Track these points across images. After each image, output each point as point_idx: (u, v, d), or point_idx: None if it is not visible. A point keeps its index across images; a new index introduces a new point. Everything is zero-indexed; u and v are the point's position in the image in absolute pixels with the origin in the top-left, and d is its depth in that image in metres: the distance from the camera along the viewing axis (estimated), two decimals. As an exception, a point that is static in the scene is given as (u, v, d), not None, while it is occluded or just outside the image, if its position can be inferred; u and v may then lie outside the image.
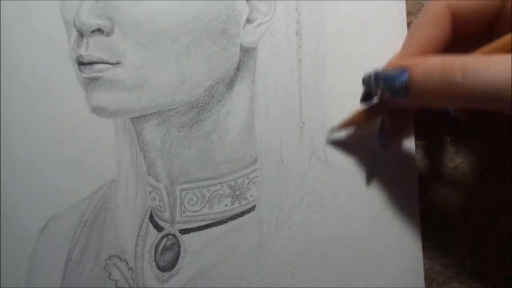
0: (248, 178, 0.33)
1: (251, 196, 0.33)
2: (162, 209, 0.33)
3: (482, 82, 0.22)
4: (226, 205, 0.33)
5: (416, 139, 0.32)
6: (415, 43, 0.28)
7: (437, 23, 0.27)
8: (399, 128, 0.30)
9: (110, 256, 0.33)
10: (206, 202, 0.33)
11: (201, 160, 0.33)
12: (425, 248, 0.31)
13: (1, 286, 0.34)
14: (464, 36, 0.28)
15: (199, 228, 0.33)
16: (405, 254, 0.31)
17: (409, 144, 0.32)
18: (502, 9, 0.26)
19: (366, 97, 0.30)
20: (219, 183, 0.33)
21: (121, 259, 0.33)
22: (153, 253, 0.33)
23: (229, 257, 0.32)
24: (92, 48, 0.30)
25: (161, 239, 0.33)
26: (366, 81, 0.29)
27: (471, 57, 0.23)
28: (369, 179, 0.32)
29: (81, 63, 0.31)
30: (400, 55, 0.28)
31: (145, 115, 0.32)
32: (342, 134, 0.32)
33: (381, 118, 0.31)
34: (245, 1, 0.32)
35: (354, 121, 0.31)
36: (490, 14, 0.27)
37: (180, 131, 0.33)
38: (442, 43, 0.27)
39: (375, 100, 0.30)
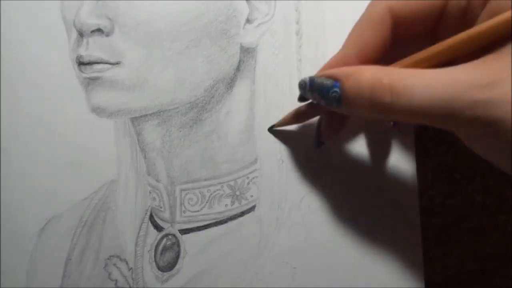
0: (248, 178, 0.33)
1: (251, 196, 0.33)
2: (162, 209, 0.34)
3: (408, 102, 0.22)
4: (226, 205, 0.33)
5: (416, 139, 0.32)
6: (354, 45, 0.27)
7: (376, 25, 0.27)
8: (335, 129, 0.31)
9: (110, 256, 0.33)
10: (206, 202, 0.33)
11: (201, 160, 0.33)
12: (425, 248, 0.31)
13: (1, 286, 0.34)
14: (406, 38, 0.27)
15: (199, 228, 0.33)
16: (405, 254, 0.31)
17: (409, 143, 0.32)
18: (444, 12, 0.26)
19: (302, 99, 0.30)
20: (219, 183, 0.33)
21: (121, 259, 0.33)
22: (153, 253, 0.33)
23: (229, 257, 0.32)
24: (92, 48, 0.30)
25: (161, 239, 0.33)
26: (302, 87, 0.28)
27: (400, 74, 0.23)
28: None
29: (81, 63, 0.31)
30: (337, 58, 0.28)
31: (145, 115, 0.32)
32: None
33: (318, 120, 0.31)
34: (245, 1, 0.32)
35: (288, 121, 0.31)
36: (432, 17, 0.26)
37: (180, 131, 0.33)
38: (381, 46, 0.27)
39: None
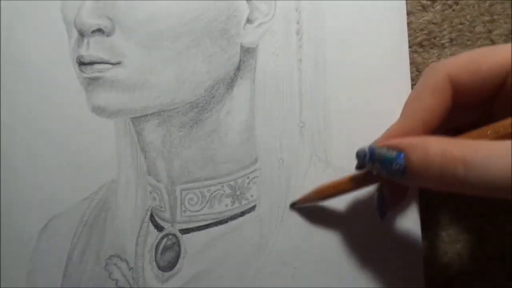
0: (248, 178, 0.33)
1: (251, 196, 0.33)
2: (163, 209, 0.34)
3: (486, 175, 0.21)
4: (226, 205, 0.33)
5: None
6: (414, 113, 0.27)
7: (437, 92, 0.26)
8: (399, 196, 0.30)
9: (111, 256, 0.33)
10: (207, 202, 0.33)
11: (201, 160, 0.33)
12: (425, 248, 0.31)
13: (1, 286, 0.34)
14: (464, 104, 0.27)
15: (199, 228, 0.33)
16: (405, 254, 0.31)
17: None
18: (504, 83, 0.25)
19: (361, 167, 0.29)
20: (220, 183, 0.33)
21: (121, 259, 0.33)
22: (153, 253, 0.33)
23: (229, 257, 0.32)
24: (93, 48, 0.30)
25: (162, 239, 0.33)
26: (361, 157, 0.27)
27: (472, 146, 0.22)
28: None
29: (82, 63, 0.31)
30: (397, 127, 0.27)
31: (146, 115, 0.32)
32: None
33: (378, 187, 0.30)
34: (245, 1, 0.32)
35: (340, 190, 0.30)
36: (493, 86, 0.25)
37: (181, 131, 0.33)
38: (443, 114, 0.26)
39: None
